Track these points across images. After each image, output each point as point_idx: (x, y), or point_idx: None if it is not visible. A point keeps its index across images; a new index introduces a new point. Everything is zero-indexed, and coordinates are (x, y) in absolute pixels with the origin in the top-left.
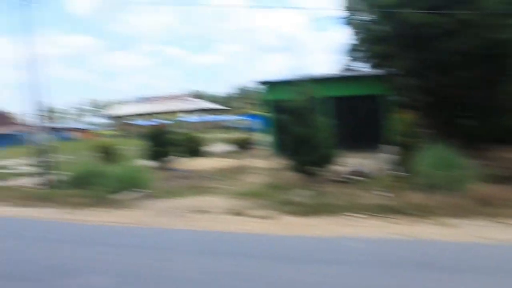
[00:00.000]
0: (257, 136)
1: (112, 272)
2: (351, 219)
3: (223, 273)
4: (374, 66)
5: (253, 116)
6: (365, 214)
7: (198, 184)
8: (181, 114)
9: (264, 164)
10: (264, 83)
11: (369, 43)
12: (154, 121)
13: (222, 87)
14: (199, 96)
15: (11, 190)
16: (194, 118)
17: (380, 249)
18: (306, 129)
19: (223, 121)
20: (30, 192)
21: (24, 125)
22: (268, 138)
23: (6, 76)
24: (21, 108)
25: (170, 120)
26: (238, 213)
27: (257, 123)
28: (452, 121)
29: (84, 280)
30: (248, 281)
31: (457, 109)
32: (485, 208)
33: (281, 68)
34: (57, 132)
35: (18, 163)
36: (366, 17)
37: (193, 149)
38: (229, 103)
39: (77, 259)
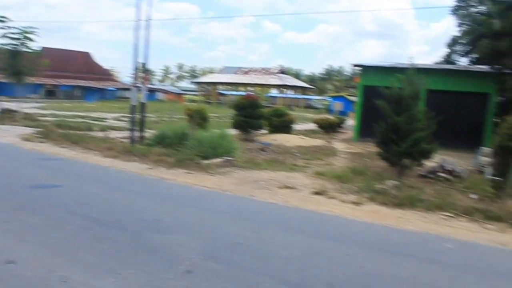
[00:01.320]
0: (343, 119)
1: (197, 234)
2: (442, 218)
3: (308, 252)
4: (478, 62)
5: (340, 98)
6: (456, 214)
7: (281, 159)
8: (269, 89)
9: (348, 147)
10: (357, 66)
11: (476, 37)
12: (244, 93)
13: (313, 67)
14: (288, 72)
15: (102, 141)
16: (281, 93)
17: (474, 254)
18: (405, 120)
19: (309, 100)
20: (118, 145)
21: (121, 82)
22: (354, 122)
23: (112, 35)
24: (121, 66)
25: (259, 93)
26: (323, 194)
27: (343, 106)
28: None
29: (168, 237)
30: (335, 264)
31: None
32: None
33: (376, 54)
34: (149, 92)
35: (112, 117)
36: (478, 8)
37: (279, 124)
38: (316, 83)
39: (160, 215)
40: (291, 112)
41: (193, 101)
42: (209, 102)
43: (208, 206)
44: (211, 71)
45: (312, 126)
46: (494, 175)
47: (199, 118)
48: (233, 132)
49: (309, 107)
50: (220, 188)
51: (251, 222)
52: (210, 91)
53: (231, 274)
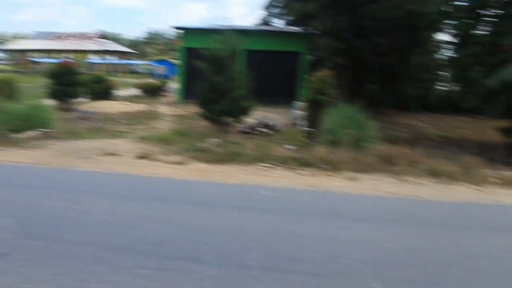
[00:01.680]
0: (166, 83)
1: (10, 213)
2: (261, 169)
3: (134, 216)
4: (292, 24)
5: (163, 62)
6: (274, 164)
7: (104, 127)
8: (88, 55)
9: (172, 110)
10: (179, 29)
11: (290, 1)
12: (59, 59)
13: (134, 31)
14: (108, 37)
15: None
16: (101, 59)
17: (290, 198)
18: (224, 79)
19: (132, 65)
20: None
21: None
22: (177, 85)
23: None
24: None
25: (77, 60)
26: (148, 158)
27: (166, 69)
28: (361, 84)
29: None
30: (160, 223)
31: (367, 73)
32: (385, 165)
33: (198, 17)
34: None
35: None
36: None
37: (100, 91)
38: (139, 47)
39: None
40: (113, 78)
41: (1, 71)
42: (21, 71)
43: (23, 182)
44: (21, 37)
45: (135, 91)
46: (307, 127)
47: (8, 89)
48: (49, 102)
49: (132, 72)
50: (37, 162)
51: (72, 194)
52: (22, 59)
53: (52, 249)
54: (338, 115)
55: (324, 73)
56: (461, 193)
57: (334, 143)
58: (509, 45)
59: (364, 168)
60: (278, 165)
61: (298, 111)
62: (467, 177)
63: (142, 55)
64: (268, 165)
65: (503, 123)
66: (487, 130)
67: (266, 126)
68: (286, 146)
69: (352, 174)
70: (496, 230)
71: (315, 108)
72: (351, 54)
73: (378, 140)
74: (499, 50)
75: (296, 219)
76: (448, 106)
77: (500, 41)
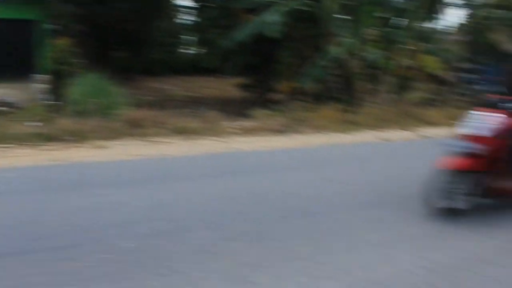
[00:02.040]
0: None
1: None
2: (2, 150)
3: None
4: None
5: None
6: (14, 144)
7: None
8: None
9: None
10: None
11: None
12: None
13: None
14: None
15: None
16: None
17: (34, 176)
18: None
19: None
20: None
21: None
22: None
23: None
24: None
25: None
26: None
27: None
28: (106, 51)
29: None
30: None
31: (111, 40)
32: (134, 129)
33: None
34: None
35: None
36: None
37: None
38: None
39: None
40: None
41: None
42: None
43: None
44: None
45: None
46: (51, 100)
47: None
48: None
49: None
50: None
51: None
52: None
53: None
54: (83, 84)
55: (64, 42)
56: (206, 146)
57: (81, 114)
58: (239, 9)
59: (112, 135)
60: (19, 144)
61: (40, 84)
62: (211, 130)
63: None
64: (7, 145)
65: (240, 80)
66: (228, 87)
67: (4, 104)
68: (27, 123)
69: (101, 142)
70: (241, 173)
71: (58, 80)
72: (93, 21)
73: (125, 106)
74: (231, 14)
75: (42, 195)
76: (193, 68)
77: (232, 6)
